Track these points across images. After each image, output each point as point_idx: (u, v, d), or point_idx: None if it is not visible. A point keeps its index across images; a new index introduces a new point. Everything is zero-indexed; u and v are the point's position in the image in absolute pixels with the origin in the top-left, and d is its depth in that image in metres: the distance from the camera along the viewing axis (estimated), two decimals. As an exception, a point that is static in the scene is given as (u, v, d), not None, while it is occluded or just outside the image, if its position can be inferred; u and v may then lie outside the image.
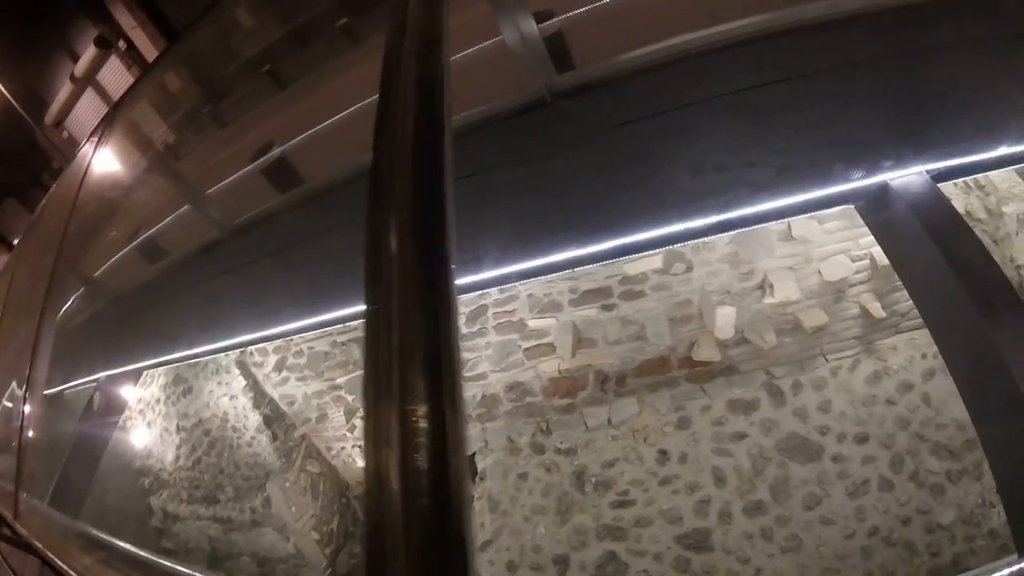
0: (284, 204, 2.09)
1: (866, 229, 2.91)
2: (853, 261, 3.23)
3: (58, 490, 2.53)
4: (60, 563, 1.67)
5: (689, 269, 3.12)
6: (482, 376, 3.45)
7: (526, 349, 3.31)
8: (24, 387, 2.29)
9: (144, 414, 4.20)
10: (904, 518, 3.08)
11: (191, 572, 1.49)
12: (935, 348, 3.50)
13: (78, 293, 2.76)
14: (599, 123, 1.45)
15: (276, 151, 2.15)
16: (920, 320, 3.31)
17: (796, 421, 3.25)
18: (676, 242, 1.18)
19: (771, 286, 3.18)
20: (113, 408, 3.32)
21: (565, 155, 1.42)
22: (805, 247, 3.20)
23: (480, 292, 3.23)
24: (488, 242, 1.39)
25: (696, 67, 1.36)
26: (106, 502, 3.92)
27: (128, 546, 1.71)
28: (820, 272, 3.24)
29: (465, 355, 3.42)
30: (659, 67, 1.41)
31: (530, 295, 3.18)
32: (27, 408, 2.23)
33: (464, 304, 3.29)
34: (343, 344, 3.60)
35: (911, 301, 3.45)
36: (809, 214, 3.47)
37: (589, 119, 1.47)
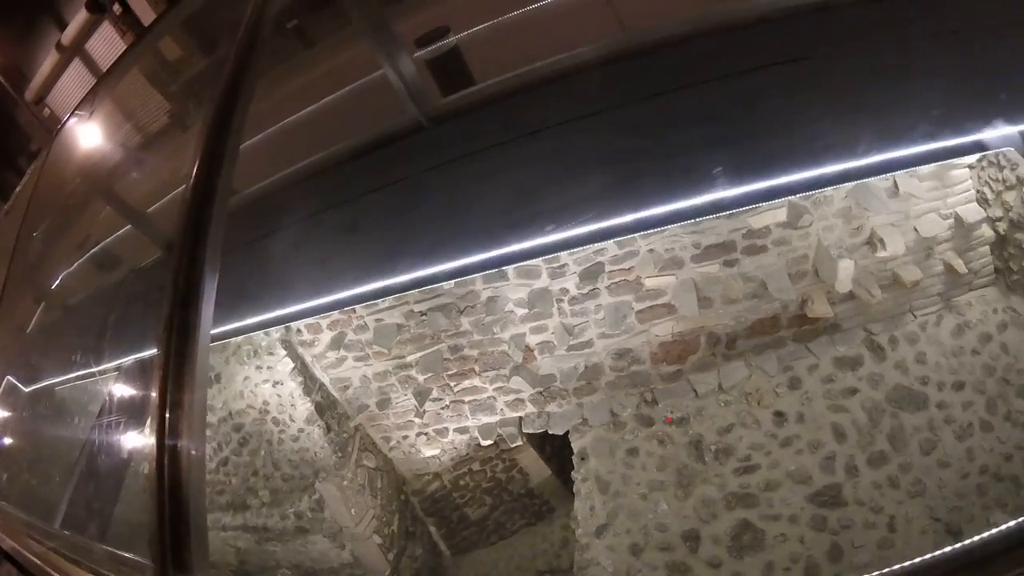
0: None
1: (952, 189, 3.00)
2: (943, 219, 3.29)
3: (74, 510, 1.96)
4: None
5: (811, 223, 3.02)
6: (587, 344, 3.15)
7: (639, 311, 3.05)
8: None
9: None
10: (1007, 455, 3.20)
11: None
12: (1004, 303, 3.62)
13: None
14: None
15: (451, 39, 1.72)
16: (989, 278, 3.47)
17: (899, 374, 3.29)
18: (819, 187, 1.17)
19: (881, 241, 3.15)
20: (133, 404, 2.70)
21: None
22: (907, 204, 3.22)
23: (597, 247, 2.94)
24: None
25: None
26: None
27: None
28: (916, 229, 3.27)
29: (573, 321, 3.09)
30: None
31: (651, 250, 2.92)
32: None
33: (576, 262, 2.98)
34: (423, 315, 3.14)
35: (982, 260, 3.54)
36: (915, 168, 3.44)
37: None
